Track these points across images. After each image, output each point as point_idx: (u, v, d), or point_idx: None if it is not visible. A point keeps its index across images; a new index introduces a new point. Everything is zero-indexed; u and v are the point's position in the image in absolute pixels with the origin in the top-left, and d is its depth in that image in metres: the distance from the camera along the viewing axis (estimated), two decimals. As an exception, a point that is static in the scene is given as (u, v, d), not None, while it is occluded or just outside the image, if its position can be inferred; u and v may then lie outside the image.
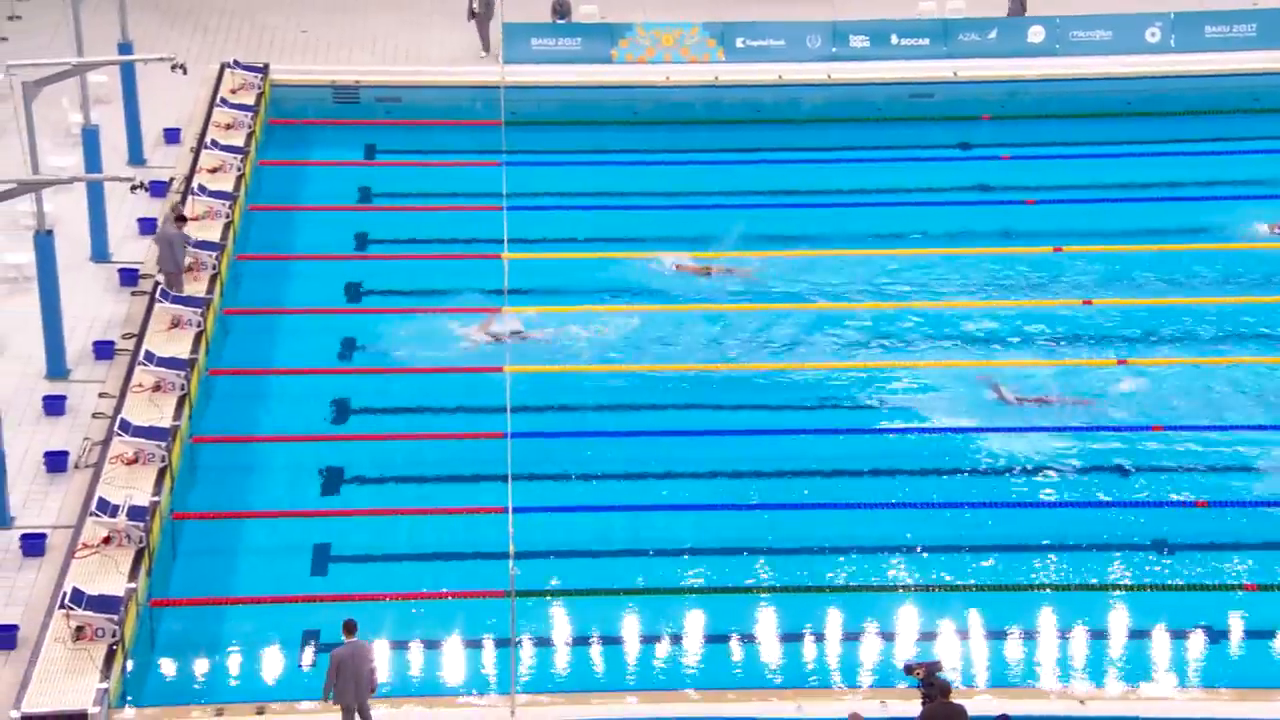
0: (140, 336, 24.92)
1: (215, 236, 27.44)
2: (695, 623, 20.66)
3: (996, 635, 20.51)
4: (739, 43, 35.45)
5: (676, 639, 20.40)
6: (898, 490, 23.08)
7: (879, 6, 36.68)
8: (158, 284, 25.77)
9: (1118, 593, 21.12)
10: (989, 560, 21.75)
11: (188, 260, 25.93)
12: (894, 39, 35.71)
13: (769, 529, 22.26)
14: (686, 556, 21.74)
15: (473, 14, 34.89)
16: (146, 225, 28.22)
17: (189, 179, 29.07)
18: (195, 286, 26.14)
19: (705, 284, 28.13)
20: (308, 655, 19.84)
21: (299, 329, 26.60)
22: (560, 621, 20.62)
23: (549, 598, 20.79)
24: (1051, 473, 23.33)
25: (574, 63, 35.09)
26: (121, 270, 27.01)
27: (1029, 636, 20.49)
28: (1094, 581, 21.30)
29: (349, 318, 27.01)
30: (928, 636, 20.42)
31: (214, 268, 26.71)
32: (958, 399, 25.04)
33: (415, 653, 20.12)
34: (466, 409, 24.60)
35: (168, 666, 19.96)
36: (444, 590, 20.82)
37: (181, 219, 25.94)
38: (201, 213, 27.77)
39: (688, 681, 19.63)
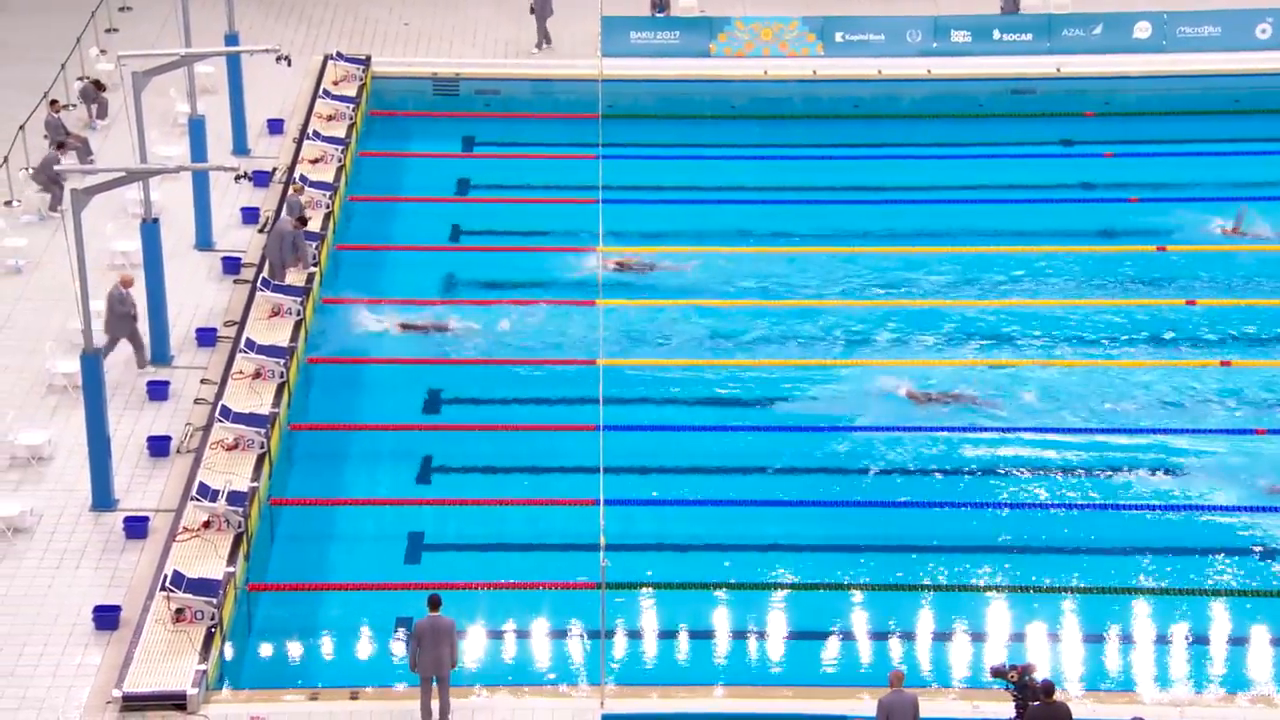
0: (241, 324, 25.32)
1: (316, 226, 27.79)
2: (784, 618, 20.62)
3: (1091, 639, 20.27)
4: (838, 37, 35.25)
5: (765, 634, 20.38)
6: (990, 490, 22.86)
7: (981, 1, 36.28)
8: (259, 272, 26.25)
9: (1217, 597, 20.78)
10: (1082, 562, 21.49)
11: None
12: (996, 34, 35.32)
13: (860, 526, 22.15)
14: (777, 552, 21.70)
15: (531, 8, 34.92)
16: (249, 214, 28.65)
17: (290, 170, 29.48)
18: (295, 276, 26.52)
19: (803, 277, 28.03)
20: (401, 642, 20.05)
21: (397, 319, 26.85)
22: (650, 614, 20.66)
23: (639, 590, 20.83)
24: (1141, 476, 22.98)
25: (672, 56, 35.08)
26: (224, 259, 27.45)
27: (1125, 640, 20.23)
28: (1190, 586, 20.96)
29: (446, 308, 27.19)
30: (1017, 638, 20.22)
31: (314, 257, 27.06)
32: (1054, 398, 24.75)
33: (507, 642, 20.27)
34: (560, 400, 24.72)
35: (264, 650, 20.27)
36: (535, 581, 20.94)
37: (303, 220, 26.36)
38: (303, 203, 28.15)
39: (776, 677, 19.60)
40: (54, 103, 30.30)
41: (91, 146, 30.20)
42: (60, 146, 29.60)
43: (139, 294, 24.92)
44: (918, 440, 23.84)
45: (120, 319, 24.02)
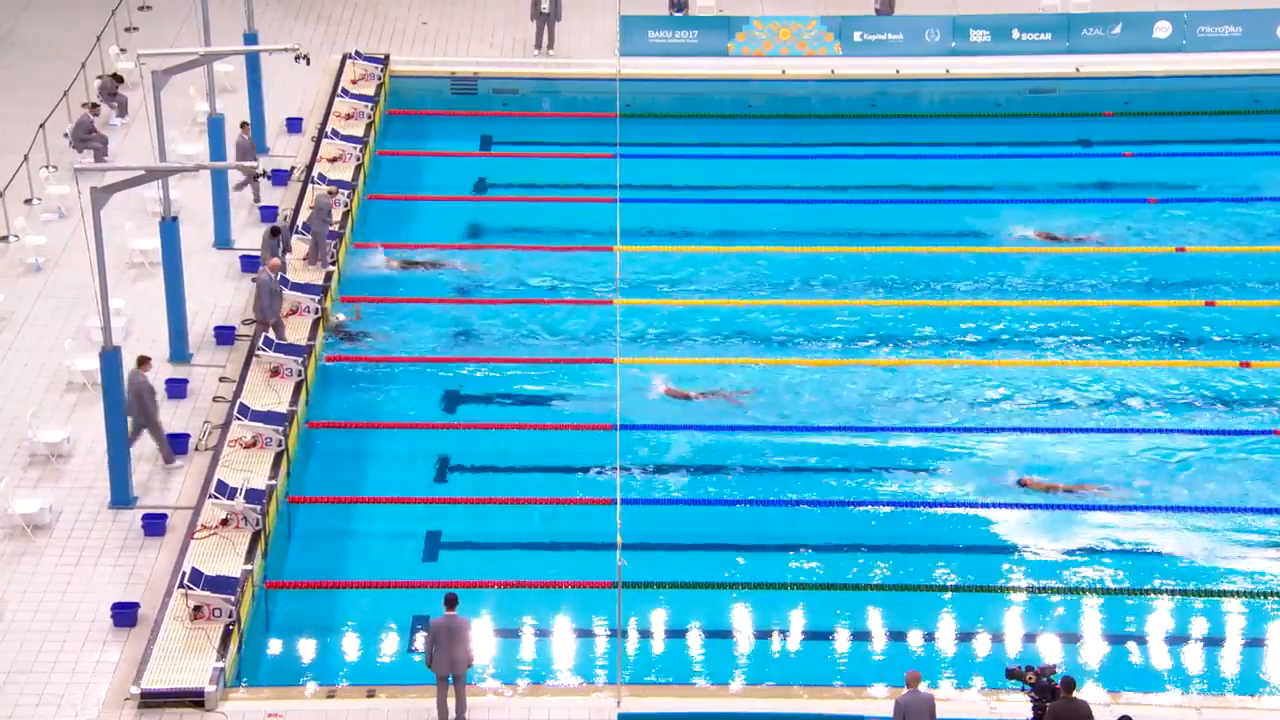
0: (260, 323, 25.35)
1: (334, 226, 27.83)
2: (801, 618, 20.62)
3: (1112, 639, 20.24)
4: (857, 36, 35.21)
5: (782, 634, 20.37)
6: (1009, 492, 22.81)
7: (999, 1, 36.21)
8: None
9: (1239, 599, 20.75)
10: (1102, 563, 21.46)
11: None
12: (1015, 33, 35.25)
13: (876, 526, 22.14)
14: (795, 551, 21.69)
15: (540, 13, 34.80)
16: (267, 213, 28.72)
17: (309, 169, 29.55)
18: (313, 274, 26.59)
19: (819, 275, 28.04)
20: (418, 640, 20.08)
21: (414, 317, 26.92)
22: (666, 613, 20.68)
23: (656, 589, 20.84)
24: (1171, 477, 22.97)
25: (690, 55, 35.08)
26: (243, 257, 27.51)
27: (1142, 641, 20.20)
28: (1213, 587, 20.94)
29: (463, 307, 27.27)
30: (1032, 638, 20.20)
31: (333, 255, 27.13)
32: (1075, 398, 24.72)
33: (523, 640, 20.29)
34: (576, 398, 24.75)
35: (281, 648, 20.32)
36: (552, 580, 20.96)
37: (275, 231, 26.07)
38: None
39: (792, 676, 19.59)
40: (94, 106, 30.43)
41: (110, 146, 30.25)
42: (82, 144, 29.72)
43: (158, 291, 25.02)
44: (943, 439, 23.81)
45: (273, 297, 24.17)
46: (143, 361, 22.21)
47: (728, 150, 32.71)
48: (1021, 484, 22.61)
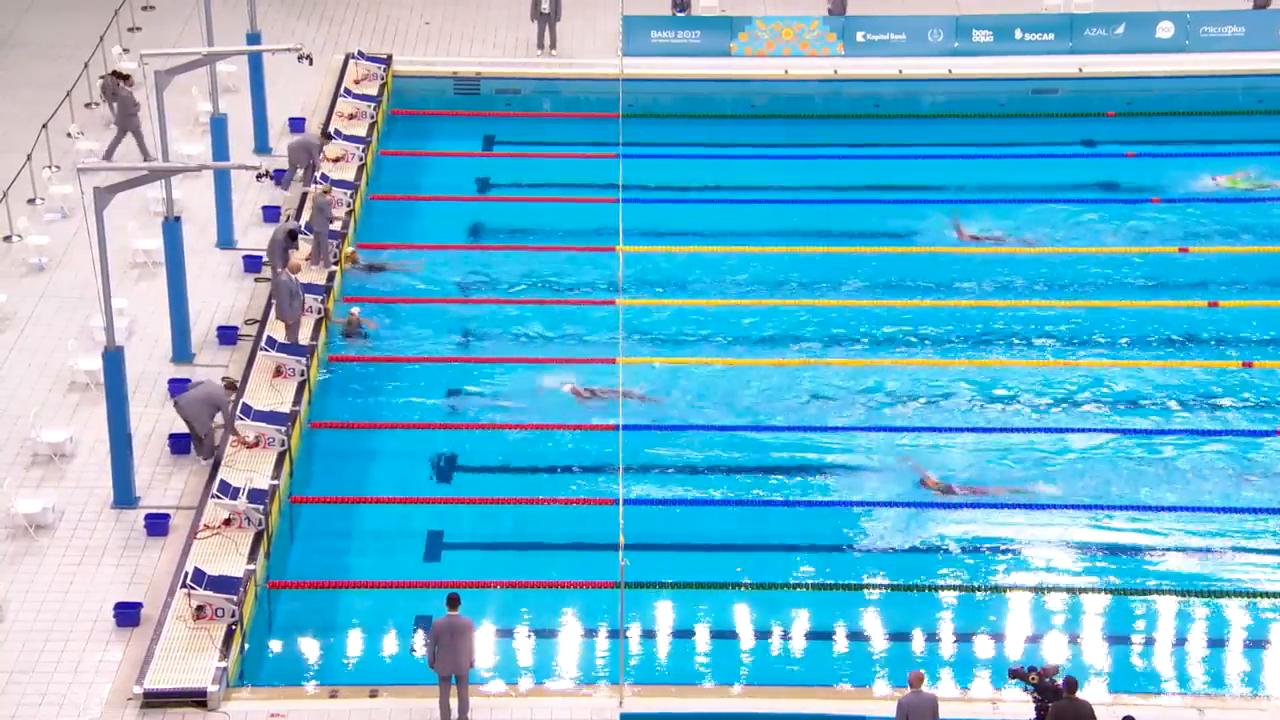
0: (263, 322, 25.39)
1: (336, 225, 27.84)
2: (804, 618, 20.62)
3: (1115, 640, 20.24)
4: (859, 36, 35.20)
5: (785, 634, 20.38)
6: (1012, 492, 22.82)
7: (1002, 1, 36.21)
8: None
9: (1242, 599, 20.75)
10: (1105, 564, 21.47)
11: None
12: (1018, 33, 35.24)
13: (878, 526, 22.13)
14: (797, 551, 21.69)
15: (540, 13, 34.76)
16: (270, 213, 28.73)
17: (311, 169, 29.54)
18: (316, 273, 26.61)
19: (822, 276, 28.03)
20: (420, 640, 20.10)
21: (416, 317, 26.93)
22: (669, 614, 20.68)
23: (658, 589, 20.84)
24: (1180, 475, 22.97)
25: (693, 55, 35.08)
26: (245, 257, 27.52)
27: (1147, 642, 20.20)
28: (1217, 587, 20.94)
29: (466, 308, 27.29)
30: (1035, 639, 20.20)
31: (335, 255, 27.15)
32: (1080, 399, 24.72)
33: (525, 641, 20.30)
34: (579, 398, 24.75)
35: (284, 647, 20.34)
36: (554, 580, 20.97)
37: (293, 235, 25.98)
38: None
39: (794, 677, 19.60)
40: (114, 74, 30.39)
41: (112, 147, 30.24)
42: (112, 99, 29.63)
43: (161, 291, 25.05)
44: (946, 440, 23.80)
45: (293, 298, 24.20)
46: (231, 385, 22.58)
47: (730, 150, 32.71)
48: (921, 483, 22.54)
